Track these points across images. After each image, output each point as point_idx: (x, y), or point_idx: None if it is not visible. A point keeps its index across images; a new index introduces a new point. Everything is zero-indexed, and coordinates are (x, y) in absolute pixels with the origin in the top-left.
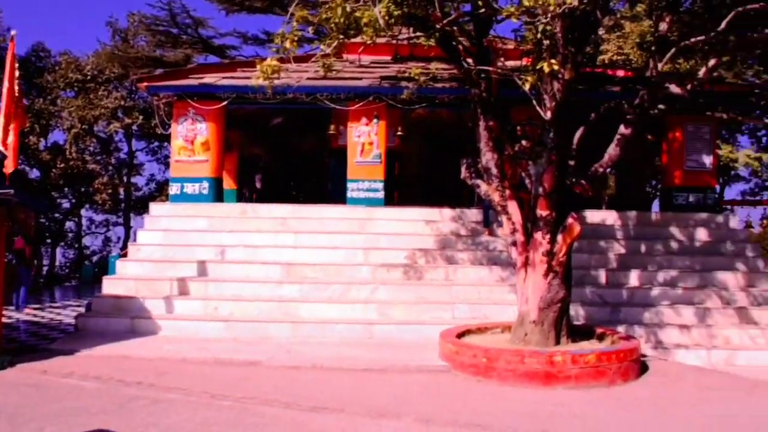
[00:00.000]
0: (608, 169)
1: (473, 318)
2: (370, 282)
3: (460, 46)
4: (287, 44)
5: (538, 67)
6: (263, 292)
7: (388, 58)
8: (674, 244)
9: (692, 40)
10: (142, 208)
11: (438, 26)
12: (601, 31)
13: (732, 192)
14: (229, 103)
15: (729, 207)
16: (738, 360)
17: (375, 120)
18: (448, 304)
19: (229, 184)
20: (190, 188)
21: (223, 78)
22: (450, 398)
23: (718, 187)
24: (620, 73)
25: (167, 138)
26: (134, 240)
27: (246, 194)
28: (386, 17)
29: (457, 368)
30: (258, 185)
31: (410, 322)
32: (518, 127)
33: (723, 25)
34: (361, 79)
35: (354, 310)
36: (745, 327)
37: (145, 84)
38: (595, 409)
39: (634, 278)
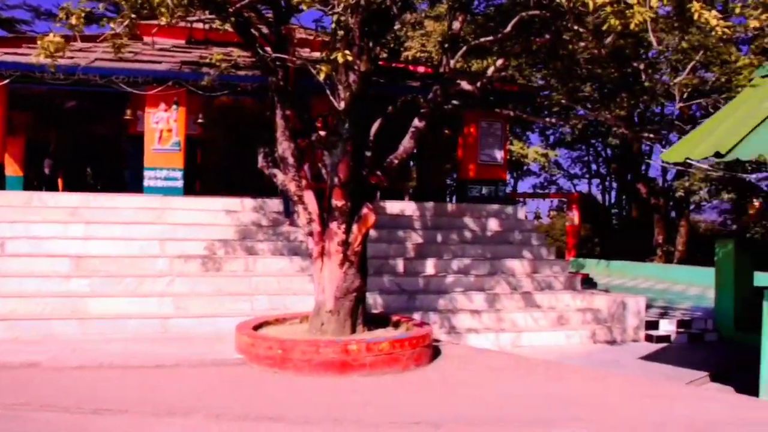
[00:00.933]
0: (404, 161)
1: (273, 309)
2: (166, 274)
3: (258, 33)
4: (73, 20)
5: (332, 57)
6: (49, 287)
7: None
8: (468, 234)
9: (481, 40)
10: None
11: (231, 9)
12: (405, 29)
13: (525, 185)
14: (14, 83)
15: (522, 199)
16: (522, 341)
17: (174, 106)
18: (247, 295)
19: (14, 170)
20: None
21: (5, 54)
22: (244, 392)
23: (511, 181)
24: (421, 69)
25: None
26: None
27: (35, 182)
28: None
29: (253, 361)
30: (46, 171)
31: (208, 315)
32: (320, 118)
33: (508, 28)
34: (160, 62)
35: (149, 304)
36: (529, 310)
37: None
38: (388, 394)
39: (430, 267)
